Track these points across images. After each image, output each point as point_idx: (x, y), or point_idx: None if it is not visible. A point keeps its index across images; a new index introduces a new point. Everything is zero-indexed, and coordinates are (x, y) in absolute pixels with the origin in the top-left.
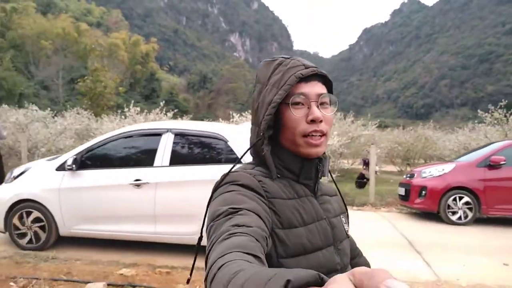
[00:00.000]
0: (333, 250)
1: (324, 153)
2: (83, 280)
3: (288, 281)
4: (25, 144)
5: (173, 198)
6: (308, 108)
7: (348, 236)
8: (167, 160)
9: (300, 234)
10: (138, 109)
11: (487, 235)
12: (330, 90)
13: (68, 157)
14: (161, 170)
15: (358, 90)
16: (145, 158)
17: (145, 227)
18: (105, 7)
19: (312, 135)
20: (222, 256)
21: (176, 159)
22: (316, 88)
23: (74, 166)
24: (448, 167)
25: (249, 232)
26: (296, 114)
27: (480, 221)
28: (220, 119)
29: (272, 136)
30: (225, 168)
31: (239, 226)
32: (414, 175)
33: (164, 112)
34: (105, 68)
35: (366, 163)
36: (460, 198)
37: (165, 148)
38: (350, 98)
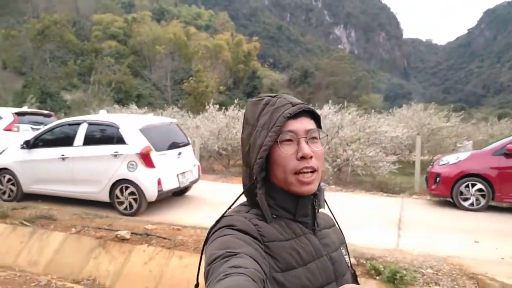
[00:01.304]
0: (335, 286)
1: (319, 184)
2: (115, 229)
3: None
4: (198, 141)
5: (83, 168)
6: (298, 144)
7: (349, 268)
8: (81, 142)
9: (299, 275)
10: (217, 106)
11: (488, 220)
12: (319, 124)
13: (27, 139)
14: (77, 149)
15: (478, 78)
16: (69, 140)
17: (68, 187)
18: (213, 10)
19: (304, 172)
20: None
21: (87, 141)
22: (304, 124)
23: (26, 146)
24: (463, 155)
25: (246, 273)
26: (285, 152)
27: (496, 208)
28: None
29: (264, 176)
30: (116, 147)
31: (236, 267)
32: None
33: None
34: (207, 69)
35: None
36: (473, 185)
37: (80, 133)
38: (468, 88)
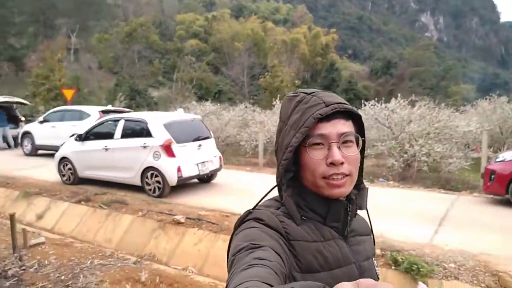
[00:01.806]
0: None
1: (362, 183)
2: (173, 214)
3: None
4: (262, 136)
5: (121, 157)
6: (328, 149)
7: (378, 279)
8: (119, 135)
9: (320, 279)
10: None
11: None
12: (360, 124)
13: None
14: (116, 141)
15: None
16: (111, 134)
17: (110, 173)
18: (291, 3)
19: (333, 177)
20: (240, 284)
21: (124, 134)
22: (338, 127)
23: (79, 138)
24: None
25: (269, 265)
26: (314, 157)
27: None
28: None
29: (294, 176)
30: (145, 140)
31: (260, 259)
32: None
33: None
34: (282, 63)
35: None
36: None
37: (119, 128)
38: None
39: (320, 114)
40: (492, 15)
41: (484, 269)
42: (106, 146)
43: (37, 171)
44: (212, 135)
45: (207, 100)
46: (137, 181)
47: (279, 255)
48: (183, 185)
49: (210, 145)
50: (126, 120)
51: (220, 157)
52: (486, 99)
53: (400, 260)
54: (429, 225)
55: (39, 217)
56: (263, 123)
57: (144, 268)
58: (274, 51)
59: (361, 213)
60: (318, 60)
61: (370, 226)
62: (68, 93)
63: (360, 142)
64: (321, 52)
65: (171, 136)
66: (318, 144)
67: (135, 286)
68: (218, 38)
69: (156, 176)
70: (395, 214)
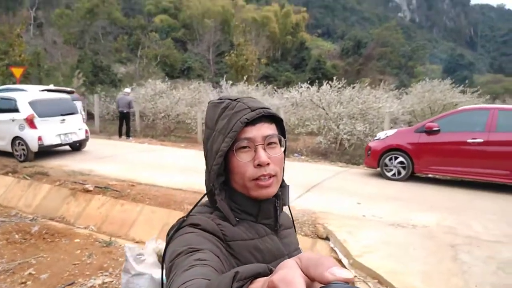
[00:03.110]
0: None
1: (284, 181)
2: (85, 183)
3: (237, 272)
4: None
5: None
6: (255, 151)
7: None
8: None
9: None
10: (230, 82)
11: (392, 187)
12: (282, 126)
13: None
14: None
15: None
16: None
17: None
18: None
19: (261, 178)
20: (184, 283)
21: (0, 110)
22: (262, 130)
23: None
24: (391, 132)
25: (210, 264)
26: (242, 160)
27: (418, 179)
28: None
29: (225, 181)
30: (13, 114)
31: (201, 260)
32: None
33: None
34: (248, 42)
35: None
36: (396, 158)
37: None
38: None
39: (246, 118)
40: None
41: (311, 222)
42: None
43: None
44: (80, 111)
45: (176, 77)
46: (8, 149)
47: (218, 257)
48: (106, 160)
49: (75, 119)
50: (1, 98)
51: (86, 130)
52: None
53: None
54: (299, 191)
55: None
56: (194, 102)
57: (37, 224)
58: (239, 30)
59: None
60: (289, 39)
61: (292, 219)
62: (17, 72)
63: (284, 143)
64: (291, 30)
65: (33, 112)
66: (245, 147)
67: (24, 236)
68: (188, 14)
69: (22, 144)
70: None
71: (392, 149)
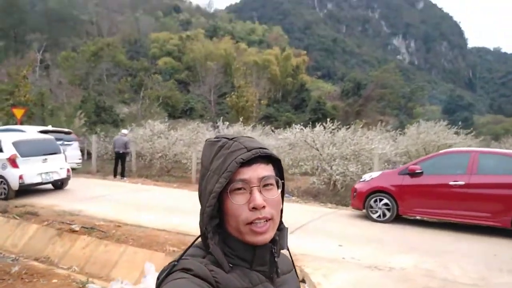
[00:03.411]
0: None
1: (282, 223)
2: (72, 223)
3: None
4: (195, 155)
5: None
6: (250, 193)
7: None
8: None
9: None
10: (227, 122)
11: (376, 229)
12: (280, 167)
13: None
14: None
15: None
16: None
17: None
18: (267, 24)
19: (256, 223)
20: None
21: None
22: (258, 171)
23: None
24: (376, 174)
25: None
26: (236, 202)
27: (404, 220)
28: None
29: (220, 223)
30: None
31: None
32: None
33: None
34: (249, 84)
35: None
36: (380, 200)
37: None
38: None
39: (242, 158)
40: (460, 41)
41: None
42: None
43: None
44: (63, 151)
45: (178, 117)
46: None
47: None
48: (97, 200)
49: (57, 159)
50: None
51: (68, 169)
52: (416, 123)
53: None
54: None
55: None
56: (192, 142)
57: (18, 264)
58: (240, 72)
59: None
60: (289, 81)
61: (292, 262)
62: (18, 112)
63: (281, 184)
64: (292, 73)
65: (16, 152)
66: (239, 189)
67: (3, 276)
68: (191, 57)
69: (4, 183)
70: None
71: (377, 191)
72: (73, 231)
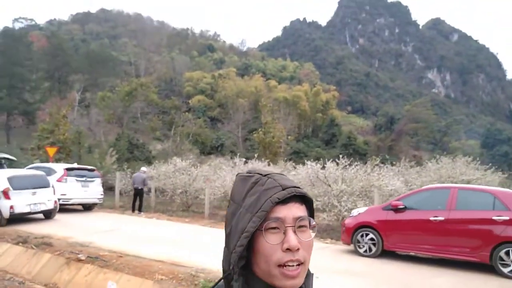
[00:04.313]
0: None
1: (308, 269)
2: (79, 253)
3: None
4: (208, 191)
5: None
6: (284, 233)
7: None
8: None
9: None
10: (244, 159)
11: (360, 263)
12: (311, 208)
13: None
14: None
15: None
16: None
17: None
18: (299, 61)
19: (288, 265)
20: None
21: None
22: (293, 211)
23: None
24: (363, 209)
25: None
26: (270, 242)
27: (391, 255)
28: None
29: (245, 263)
30: None
31: None
32: None
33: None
34: (275, 120)
35: None
36: (367, 235)
37: None
38: None
39: (278, 198)
40: (498, 72)
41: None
42: None
43: None
44: (52, 184)
45: (208, 153)
46: None
47: None
48: (110, 233)
49: (46, 192)
50: None
51: (55, 201)
52: (434, 159)
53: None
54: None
55: None
56: (209, 179)
57: (24, 287)
58: (267, 109)
59: None
60: (319, 116)
61: None
62: (51, 151)
63: (314, 226)
64: (321, 108)
65: (9, 185)
66: (273, 228)
67: None
68: (223, 94)
69: None
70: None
71: (363, 226)
72: (80, 260)
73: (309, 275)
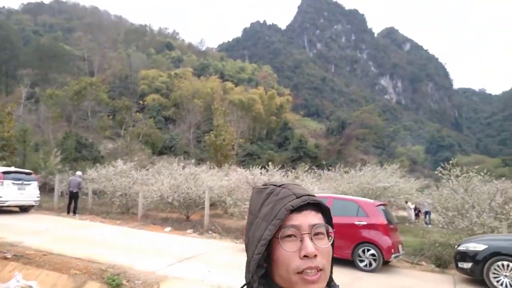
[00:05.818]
0: None
1: (333, 280)
2: (5, 252)
3: None
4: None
5: None
6: (301, 241)
7: None
8: None
9: None
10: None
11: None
12: (327, 216)
13: None
14: None
15: None
16: None
17: None
18: (257, 63)
19: (307, 272)
20: None
21: None
22: (309, 218)
23: None
24: None
25: None
26: (287, 249)
27: None
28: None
29: (265, 273)
30: None
31: None
32: None
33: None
34: (227, 123)
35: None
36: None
37: None
38: None
39: (292, 205)
40: (445, 82)
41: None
42: None
43: None
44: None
45: (161, 154)
46: None
47: None
48: (40, 233)
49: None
50: None
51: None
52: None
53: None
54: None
55: None
56: (144, 182)
57: None
58: (219, 111)
59: None
60: (273, 119)
61: None
62: None
63: (332, 234)
64: (275, 111)
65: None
66: (290, 236)
67: None
68: (179, 94)
69: None
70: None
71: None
72: (6, 258)
73: (334, 287)
